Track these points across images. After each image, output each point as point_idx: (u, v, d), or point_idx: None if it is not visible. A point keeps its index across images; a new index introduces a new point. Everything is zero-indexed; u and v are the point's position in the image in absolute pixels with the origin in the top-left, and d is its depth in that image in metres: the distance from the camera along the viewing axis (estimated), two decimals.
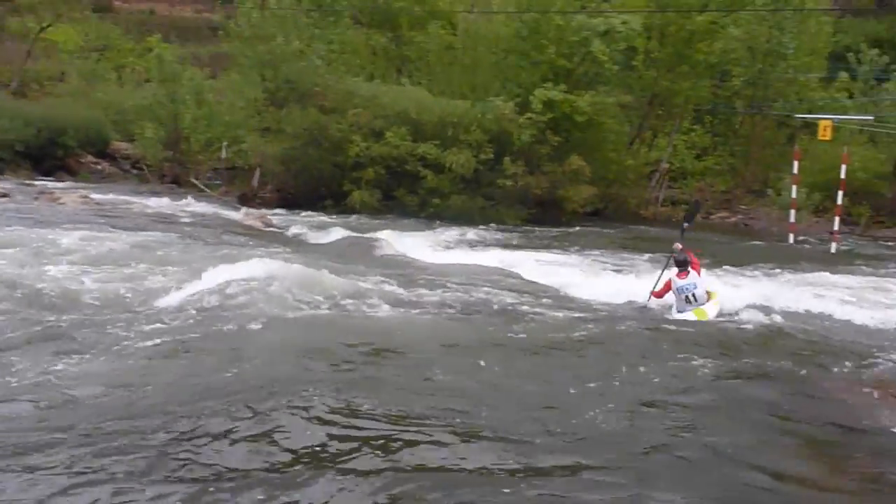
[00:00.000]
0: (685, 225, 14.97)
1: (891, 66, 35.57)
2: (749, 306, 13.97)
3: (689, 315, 12.76)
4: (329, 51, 32.04)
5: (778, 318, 13.21)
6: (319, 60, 30.13)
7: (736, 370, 9.58)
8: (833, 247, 24.64)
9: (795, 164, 26.66)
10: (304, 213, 25.97)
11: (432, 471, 6.08)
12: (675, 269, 13.32)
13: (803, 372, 9.79)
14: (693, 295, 13.00)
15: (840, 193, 25.24)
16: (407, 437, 6.64)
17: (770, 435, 7.60)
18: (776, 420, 8.01)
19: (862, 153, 31.86)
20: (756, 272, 18.03)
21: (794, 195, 26.40)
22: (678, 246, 13.42)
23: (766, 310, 13.58)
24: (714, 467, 6.48)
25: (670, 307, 13.35)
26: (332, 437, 6.54)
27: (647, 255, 20.66)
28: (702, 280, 13.28)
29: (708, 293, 13.27)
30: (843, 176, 25.12)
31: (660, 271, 13.95)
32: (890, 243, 29.15)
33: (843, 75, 36.29)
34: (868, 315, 13.90)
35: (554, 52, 30.03)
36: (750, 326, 12.65)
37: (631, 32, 30.24)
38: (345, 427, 6.79)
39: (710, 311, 12.90)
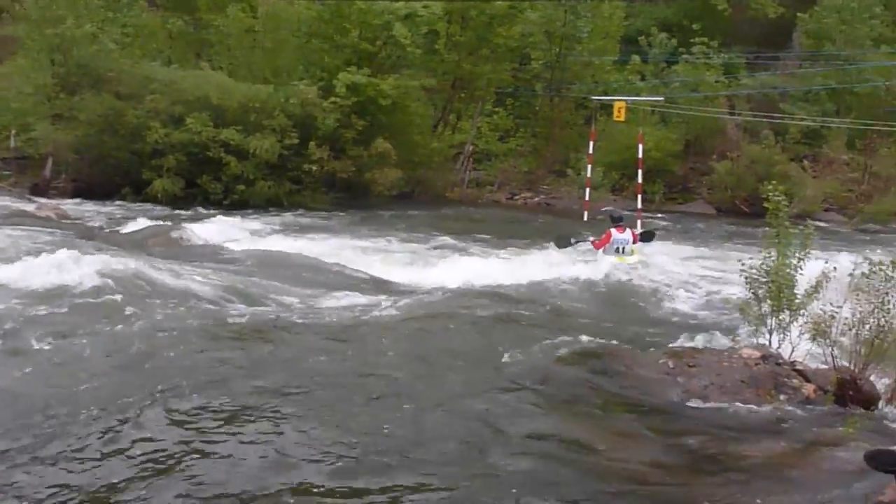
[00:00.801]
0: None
1: (679, 50, 37.19)
2: (554, 283, 14.39)
3: (614, 259, 15.94)
4: (123, 34, 30.87)
5: (582, 295, 13.67)
6: (113, 44, 28.97)
7: (541, 350, 9.81)
8: (638, 224, 25.44)
9: (591, 144, 27.54)
10: (102, 204, 24.90)
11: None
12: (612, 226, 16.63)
13: (606, 347, 10.12)
14: (623, 248, 16.34)
15: (640, 172, 26.19)
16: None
17: (566, 414, 7.85)
18: (576, 398, 8.28)
19: (655, 133, 33.27)
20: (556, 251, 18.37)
21: (588, 174, 27.27)
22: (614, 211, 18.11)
23: (571, 288, 14.02)
24: (511, 449, 6.62)
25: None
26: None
27: (458, 237, 20.90)
28: (633, 241, 16.58)
29: (633, 251, 16.57)
30: (640, 155, 26.03)
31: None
32: (689, 217, 30.69)
33: (636, 58, 37.62)
34: (671, 287, 14.56)
35: (357, 35, 30.09)
36: (556, 305, 13.02)
37: (432, 16, 30.61)
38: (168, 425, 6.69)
39: (630, 259, 16.15)
